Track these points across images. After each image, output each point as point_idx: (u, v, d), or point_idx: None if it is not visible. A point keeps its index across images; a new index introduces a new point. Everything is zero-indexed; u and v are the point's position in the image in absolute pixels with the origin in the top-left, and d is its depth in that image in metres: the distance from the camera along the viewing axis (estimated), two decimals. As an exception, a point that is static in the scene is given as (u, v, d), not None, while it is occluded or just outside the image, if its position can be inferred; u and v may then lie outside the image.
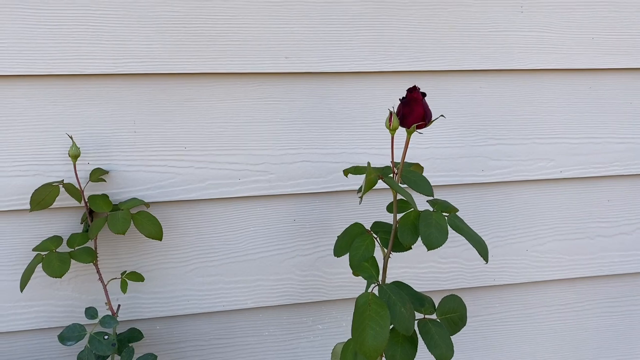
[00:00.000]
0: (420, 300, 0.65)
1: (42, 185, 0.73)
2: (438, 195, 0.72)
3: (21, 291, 0.72)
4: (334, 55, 0.81)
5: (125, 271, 0.78)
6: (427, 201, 0.66)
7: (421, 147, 0.87)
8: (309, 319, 0.90)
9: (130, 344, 0.76)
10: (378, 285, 0.61)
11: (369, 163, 0.58)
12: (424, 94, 0.59)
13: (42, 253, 0.72)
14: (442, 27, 0.83)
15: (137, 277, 0.78)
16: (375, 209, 0.84)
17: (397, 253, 0.71)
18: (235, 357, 0.89)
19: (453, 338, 0.97)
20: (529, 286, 0.96)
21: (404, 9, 0.82)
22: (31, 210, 0.71)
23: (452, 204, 0.87)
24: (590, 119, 0.91)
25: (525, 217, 0.93)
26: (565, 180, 0.93)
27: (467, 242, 0.86)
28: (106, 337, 0.72)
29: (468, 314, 0.96)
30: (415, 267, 0.91)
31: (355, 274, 0.64)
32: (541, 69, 0.87)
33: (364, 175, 0.58)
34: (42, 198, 0.71)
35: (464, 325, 0.69)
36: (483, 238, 0.92)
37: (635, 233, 0.97)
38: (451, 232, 0.64)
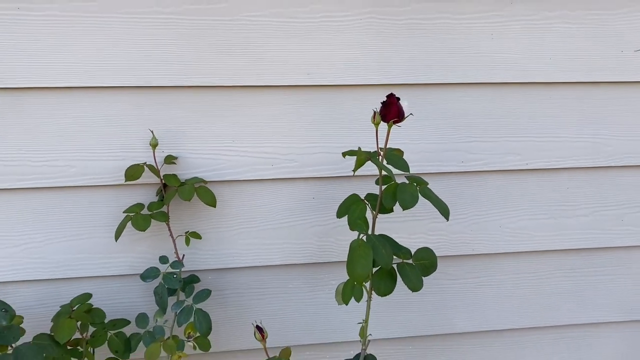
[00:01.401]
0: (398, 247, 0.90)
1: (132, 165, 1.01)
2: (427, 180, 0.96)
3: (116, 240, 1.00)
4: (344, 72, 1.07)
5: (188, 231, 1.06)
6: (404, 176, 0.91)
7: (413, 143, 1.12)
8: (325, 275, 1.16)
9: (191, 285, 1.04)
10: (366, 234, 0.86)
11: (359, 147, 0.84)
12: (398, 98, 0.85)
13: (131, 214, 1.01)
14: (431, 50, 1.08)
15: (197, 235, 1.06)
16: (374, 190, 1.10)
17: (389, 229, 0.95)
18: (267, 304, 1.15)
19: (441, 296, 1.20)
20: (503, 256, 1.19)
21: (398, 36, 1.07)
22: (125, 181, 1.00)
23: (439, 187, 1.11)
24: (552, 122, 1.14)
25: (498, 200, 1.16)
26: (530, 171, 1.16)
27: (455, 216, 1.13)
28: (174, 276, 1.00)
29: (454, 278, 1.20)
30: (409, 238, 1.15)
31: (351, 229, 0.89)
32: (507, 82, 1.11)
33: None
34: (133, 173, 1.00)
35: (435, 270, 0.93)
36: (463, 216, 1.17)
37: (592, 216, 1.19)
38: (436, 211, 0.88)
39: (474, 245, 1.17)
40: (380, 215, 0.94)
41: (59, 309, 0.99)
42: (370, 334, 0.94)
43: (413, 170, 1.01)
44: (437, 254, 1.15)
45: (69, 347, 0.97)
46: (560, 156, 1.15)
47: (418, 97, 1.10)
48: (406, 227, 1.15)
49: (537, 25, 1.11)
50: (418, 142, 1.12)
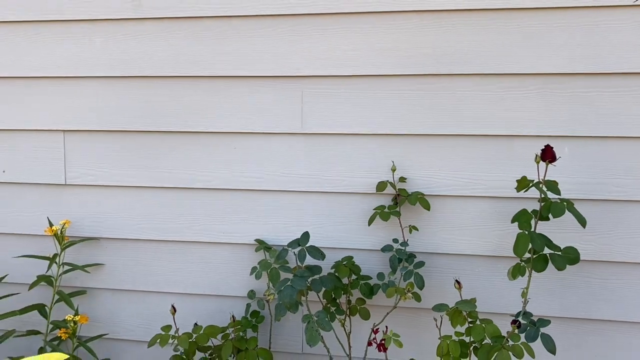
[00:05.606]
0: (551, 243, 1.40)
1: (380, 181, 1.67)
2: (580, 204, 1.44)
3: (369, 225, 1.66)
4: (519, 125, 1.59)
5: (410, 225, 1.68)
6: (557, 198, 1.41)
7: (571, 177, 1.58)
8: (501, 265, 1.67)
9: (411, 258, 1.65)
10: (528, 231, 1.38)
11: (524, 176, 1.37)
12: (552, 147, 1.37)
13: (378, 210, 1.66)
14: (584, 112, 1.56)
15: (415, 228, 1.67)
16: (536, 207, 1.59)
17: (554, 237, 1.47)
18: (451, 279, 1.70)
19: (589, 290, 1.63)
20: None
21: (560, 103, 1.56)
22: (376, 191, 1.67)
23: (592, 209, 1.56)
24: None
25: (637, 221, 1.57)
26: (664, 203, 1.55)
27: (602, 232, 1.57)
28: (402, 250, 1.62)
29: (600, 278, 1.63)
30: (566, 244, 1.61)
31: (520, 228, 1.42)
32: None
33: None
34: (381, 186, 1.65)
35: (577, 262, 1.40)
36: (610, 232, 1.61)
37: None
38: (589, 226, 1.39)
39: (615, 255, 1.59)
40: (545, 228, 1.46)
41: (333, 263, 1.69)
42: (529, 297, 1.45)
43: (570, 196, 1.51)
44: (586, 258, 1.60)
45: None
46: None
47: (576, 145, 1.58)
48: (565, 237, 1.60)
49: (674, 95, 1.52)
50: (575, 177, 1.59)
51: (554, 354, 1.38)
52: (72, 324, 1.75)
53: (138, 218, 1.84)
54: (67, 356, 0.72)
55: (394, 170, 1.67)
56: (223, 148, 1.77)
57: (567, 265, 1.40)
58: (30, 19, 1.80)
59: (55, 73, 1.82)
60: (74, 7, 1.77)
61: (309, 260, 1.65)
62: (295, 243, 1.62)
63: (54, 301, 1.83)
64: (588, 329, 1.66)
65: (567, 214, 1.40)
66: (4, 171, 1.89)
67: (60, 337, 1.75)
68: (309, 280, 1.58)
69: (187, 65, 1.74)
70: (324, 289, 1.60)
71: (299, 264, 1.61)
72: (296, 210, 1.77)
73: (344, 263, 1.64)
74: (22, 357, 1.68)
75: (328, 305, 1.65)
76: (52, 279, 1.82)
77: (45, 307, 1.83)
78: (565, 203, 1.38)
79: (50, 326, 1.82)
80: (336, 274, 1.62)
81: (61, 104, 1.84)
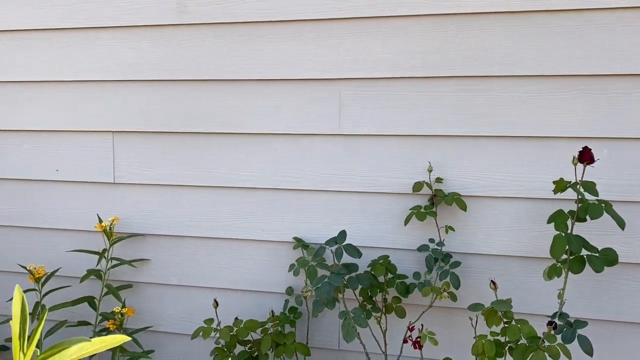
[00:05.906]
0: (587, 244, 1.40)
1: (416, 182, 1.70)
2: (619, 206, 1.44)
3: (405, 225, 1.69)
4: (558, 127, 1.60)
5: (446, 225, 1.70)
6: (595, 199, 1.41)
7: (611, 179, 1.57)
8: (537, 266, 1.67)
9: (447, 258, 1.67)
10: (564, 232, 1.39)
11: (561, 178, 1.38)
12: (589, 148, 1.36)
13: (414, 210, 1.69)
14: (623, 113, 1.55)
15: (452, 228, 1.69)
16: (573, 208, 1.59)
17: (592, 239, 1.47)
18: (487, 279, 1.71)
19: (627, 292, 1.62)
20: (682, 269, 1.57)
21: (599, 105, 1.56)
22: (413, 192, 1.69)
23: (628, 213, 1.56)
24: None
25: (678, 225, 1.56)
26: None
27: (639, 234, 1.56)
28: (439, 250, 1.65)
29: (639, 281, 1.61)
30: (604, 246, 1.60)
31: (556, 229, 1.43)
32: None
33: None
34: (417, 187, 1.68)
35: (615, 263, 1.40)
36: (649, 234, 1.59)
37: None
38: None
39: (656, 257, 1.58)
40: (584, 230, 1.46)
41: (369, 261, 1.72)
42: (565, 299, 1.45)
43: (610, 197, 1.51)
44: (625, 260, 1.58)
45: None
46: None
47: (615, 147, 1.57)
48: (603, 239, 1.58)
49: None
50: (614, 179, 1.58)
51: (591, 356, 1.39)
52: (119, 316, 1.84)
53: (182, 215, 1.92)
54: (129, 338, 0.78)
55: (430, 170, 1.69)
56: (263, 148, 1.83)
57: (605, 267, 1.40)
58: (81, 25, 1.91)
59: (105, 77, 1.91)
60: (123, 14, 1.86)
61: (346, 258, 1.69)
62: (332, 241, 1.67)
63: (103, 294, 1.92)
64: (626, 332, 1.64)
65: (605, 215, 1.40)
66: (57, 170, 2.00)
67: (109, 328, 1.84)
68: (345, 277, 1.62)
69: (230, 68, 1.81)
70: (360, 286, 1.64)
71: (336, 261, 1.66)
72: (333, 209, 1.81)
73: (380, 262, 1.68)
74: (74, 346, 1.78)
75: (364, 303, 1.68)
76: (101, 273, 1.92)
77: (95, 300, 1.93)
78: (603, 204, 1.38)
79: (99, 318, 1.92)
80: (372, 272, 1.66)
81: (111, 106, 1.93)
